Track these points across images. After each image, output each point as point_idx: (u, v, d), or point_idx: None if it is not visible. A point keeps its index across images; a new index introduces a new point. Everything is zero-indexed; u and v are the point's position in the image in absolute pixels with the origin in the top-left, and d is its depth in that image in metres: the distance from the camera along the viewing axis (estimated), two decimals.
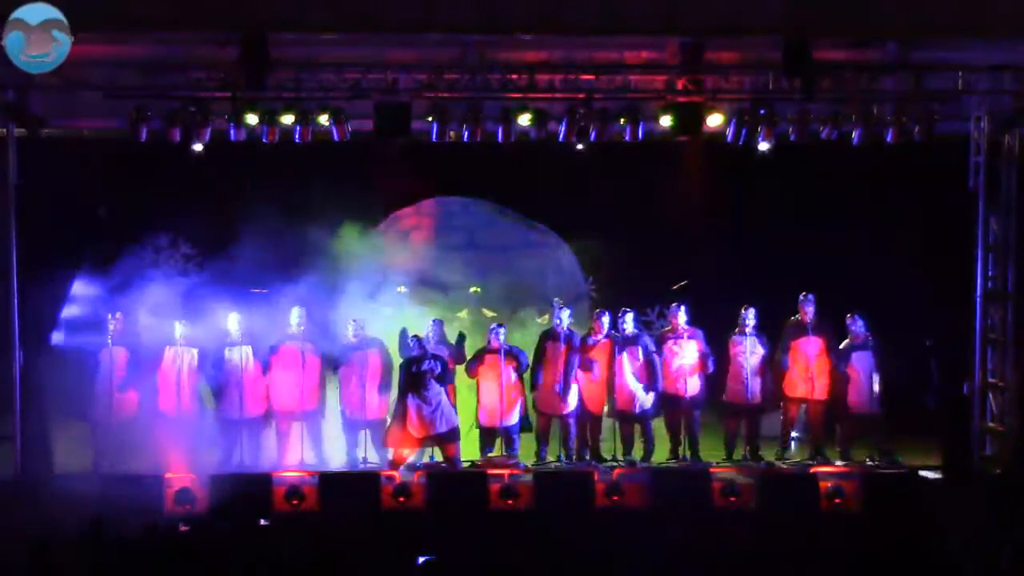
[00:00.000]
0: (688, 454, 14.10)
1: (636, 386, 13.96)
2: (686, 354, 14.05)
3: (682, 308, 14.19)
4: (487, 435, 13.98)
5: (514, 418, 13.90)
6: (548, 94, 13.81)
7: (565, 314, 14.12)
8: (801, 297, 14.15)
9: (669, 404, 14.11)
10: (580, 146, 14.02)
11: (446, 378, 13.75)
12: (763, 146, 13.99)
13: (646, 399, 14.00)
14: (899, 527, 12.38)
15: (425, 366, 13.56)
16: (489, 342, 14.01)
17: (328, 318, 14.22)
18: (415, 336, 13.72)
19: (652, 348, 14.06)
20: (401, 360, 13.80)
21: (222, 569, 9.76)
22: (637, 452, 14.12)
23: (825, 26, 13.14)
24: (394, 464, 13.55)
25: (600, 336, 14.04)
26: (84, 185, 13.87)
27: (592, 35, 13.39)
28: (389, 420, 13.79)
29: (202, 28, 13.00)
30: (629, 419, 14.09)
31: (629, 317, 14.13)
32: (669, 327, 14.39)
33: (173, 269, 14.36)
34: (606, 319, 14.08)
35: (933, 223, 15.18)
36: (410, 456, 13.64)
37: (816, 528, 12.28)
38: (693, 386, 14.03)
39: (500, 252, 17.10)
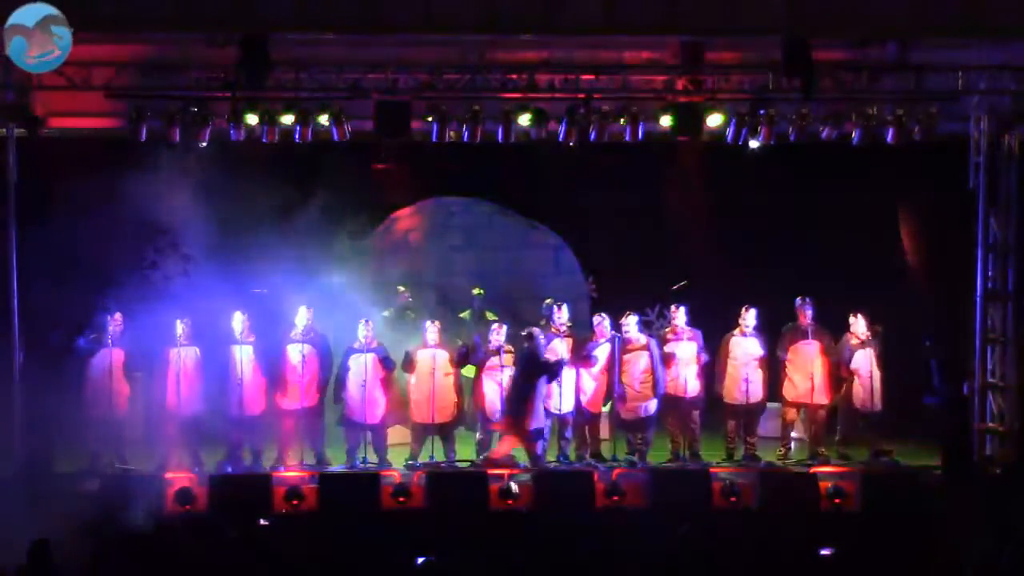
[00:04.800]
0: (687, 454, 14.10)
1: (640, 392, 13.93)
2: (685, 355, 14.02)
3: (682, 309, 14.17)
4: (486, 430, 13.96)
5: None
6: (548, 94, 13.81)
7: (565, 311, 14.10)
8: (799, 301, 14.14)
9: (669, 405, 14.09)
10: (572, 144, 14.03)
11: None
12: (754, 143, 13.99)
13: (650, 404, 13.97)
14: (899, 527, 12.37)
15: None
16: (490, 343, 13.99)
17: (327, 319, 14.20)
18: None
19: (658, 353, 14.01)
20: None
21: (222, 569, 9.76)
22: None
23: (825, 26, 13.14)
24: (494, 462, 13.52)
25: (602, 341, 13.98)
26: (84, 185, 13.86)
27: (592, 35, 13.39)
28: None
29: (202, 28, 13.01)
30: (632, 426, 14.07)
31: (632, 320, 14.07)
32: (669, 328, 14.35)
33: (173, 269, 14.34)
34: (607, 323, 14.02)
35: (933, 223, 15.19)
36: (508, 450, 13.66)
37: (816, 528, 12.26)
38: (693, 387, 14.01)
39: (500, 252, 17.13)
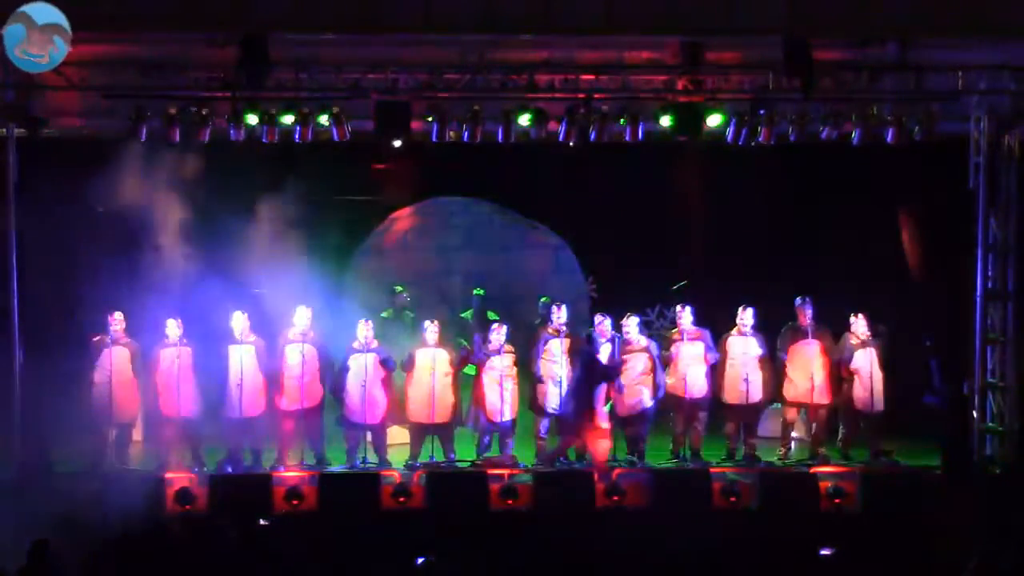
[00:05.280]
0: (688, 454, 14.10)
1: (639, 392, 13.93)
2: (692, 355, 14.01)
3: (688, 309, 14.15)
4: (486, 429, 13.96)
5: (508, 414, 13.88)
6: (548, 94, 13.81)
7: (564, 311, 14.09)
8: (799, 300, 14.12)
9: (673, 405, 14.08)
10: (572, 143, 14.01)
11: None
12: (754, 143, 14.01)
13: (647, 402, 13.98)
14: (899, 527, 12.38)
15: None
16: (490, 343, 14.00)
17: (326, 319, 14.20)
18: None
19: (657, 354, 14.02)
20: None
21: (222, 569, 9.76)
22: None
23: (825, 26, 13.14)
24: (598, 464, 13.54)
25: (603, 340, 13.96)
26: (84, 185, 13.86)
27: (592, 35, 13.38)
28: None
29: (202, 28, 13.01)
30: (629, 422, 14.06)
31: (633, 322, 14.05)
32: (674, 328, 14.33)
33: (173, 268, 14.35)
34: (607, 323, 14.01)
35: (933, 223, 15.18)
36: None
37: (816, 528, 12.27)
38: (700, 387, 14.00)
39: (500, 252, 17.12)
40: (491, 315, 15.56)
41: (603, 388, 13.61)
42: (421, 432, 13.96)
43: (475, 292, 15.92)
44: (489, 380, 13.90)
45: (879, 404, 13.99)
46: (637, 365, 13.92)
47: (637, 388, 13.89)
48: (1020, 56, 13.65)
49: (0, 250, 13.76)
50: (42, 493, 12.51)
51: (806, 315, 14.07)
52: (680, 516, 12.41)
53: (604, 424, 13.61)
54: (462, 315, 15.74)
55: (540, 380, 13.97)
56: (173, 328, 13.64)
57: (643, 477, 13.43)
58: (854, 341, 14.07)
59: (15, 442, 13.57)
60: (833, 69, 13.69)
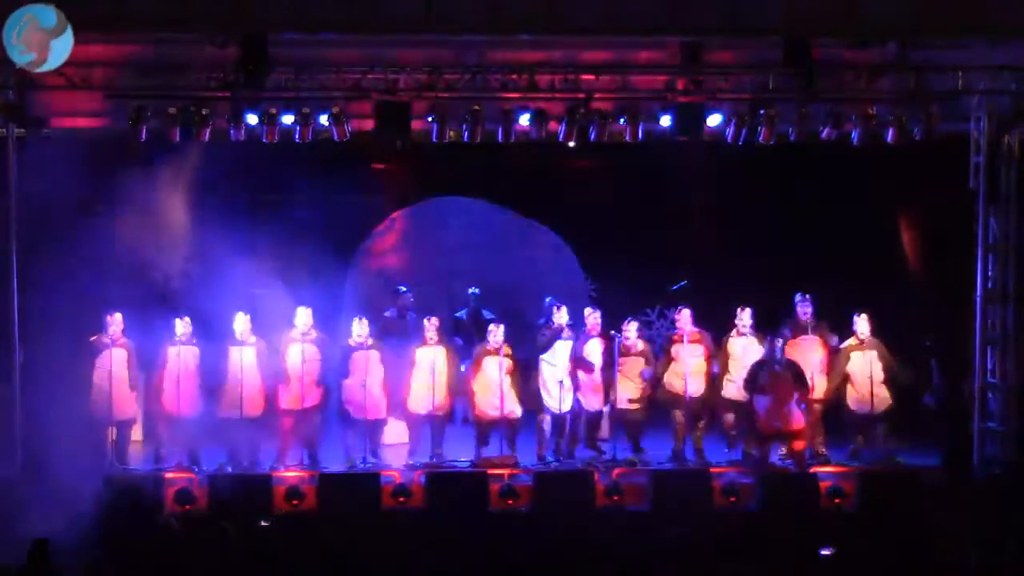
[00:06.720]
0: (697, 448, 14.09)
1: (638, 389, 13.98)
2: (691, 356, 14.01)
3: (686, 311, 14.15)
4: (484, 427, 13.98)
5: (517, 410, 13.90)
6: (548, 94, 13.82)
7: (563, 312, 14.10)
8: (799, 297, 14.12)
9: (673, 405, 14.09)
10: (572, 144, 14.01)
11: None
12: (759, 143, 14.03)
13: (645, 402, 14.03)
14: (899, 527, 12.38)
15: None
16: (486, 342, 14.01)
17: (327, 319, 14.21)
18: None
19: (654, 360, 14.09)
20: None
21: (222, 569, 9.76)
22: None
23: (825, 26, 13.15)
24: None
25: (594, 335, 14.00)
26: (83, 185, 13.86)
27: (592, 35, 13.39)
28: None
29: (202, 28, 13.01)
30: (629, 416, 14.10)
31: (632, 327, 14.03)
32: (675, 329, 14.32)
33: (174, 268, 14.36)
34: (596, 316, 14.02)
35: (933, 223, 15.19)
36: None
37: (816, 528, 12.27)
38: (698, 387, 14.01)
39: (500, 252, 17.13)
40: (486, 314, 15.56)
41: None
42: (418, 424, 13.96)
43: (470, 291, 15.91)
44: (485, 379, 13.90)
45: (878, 405, 13.98)
46: (634, 368, 13.94)
47: (636, 389, 13.94)
48: (1020, 56, 13.65)
49: (0, 250, 13.77)
50: (42, 493, 12.51)
51: (806, 312, 14.07)
52: (680, 516, 12.41)
53: (799, 423, 13.66)
54: (456, 315, 15.74)
55: (541, 381, 13.99)
56: (181, 327, 13.65)
57: (643, 477, 13.44)
58: (853, 342, 14.07)
59: (15, 442, 13.59)
60: (833, 69, 13.69)
